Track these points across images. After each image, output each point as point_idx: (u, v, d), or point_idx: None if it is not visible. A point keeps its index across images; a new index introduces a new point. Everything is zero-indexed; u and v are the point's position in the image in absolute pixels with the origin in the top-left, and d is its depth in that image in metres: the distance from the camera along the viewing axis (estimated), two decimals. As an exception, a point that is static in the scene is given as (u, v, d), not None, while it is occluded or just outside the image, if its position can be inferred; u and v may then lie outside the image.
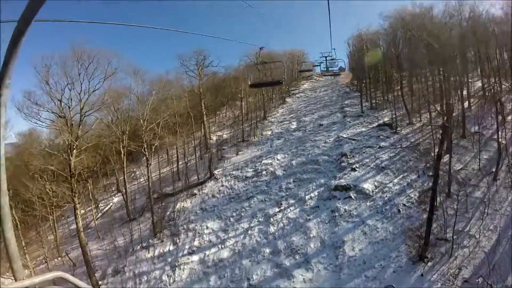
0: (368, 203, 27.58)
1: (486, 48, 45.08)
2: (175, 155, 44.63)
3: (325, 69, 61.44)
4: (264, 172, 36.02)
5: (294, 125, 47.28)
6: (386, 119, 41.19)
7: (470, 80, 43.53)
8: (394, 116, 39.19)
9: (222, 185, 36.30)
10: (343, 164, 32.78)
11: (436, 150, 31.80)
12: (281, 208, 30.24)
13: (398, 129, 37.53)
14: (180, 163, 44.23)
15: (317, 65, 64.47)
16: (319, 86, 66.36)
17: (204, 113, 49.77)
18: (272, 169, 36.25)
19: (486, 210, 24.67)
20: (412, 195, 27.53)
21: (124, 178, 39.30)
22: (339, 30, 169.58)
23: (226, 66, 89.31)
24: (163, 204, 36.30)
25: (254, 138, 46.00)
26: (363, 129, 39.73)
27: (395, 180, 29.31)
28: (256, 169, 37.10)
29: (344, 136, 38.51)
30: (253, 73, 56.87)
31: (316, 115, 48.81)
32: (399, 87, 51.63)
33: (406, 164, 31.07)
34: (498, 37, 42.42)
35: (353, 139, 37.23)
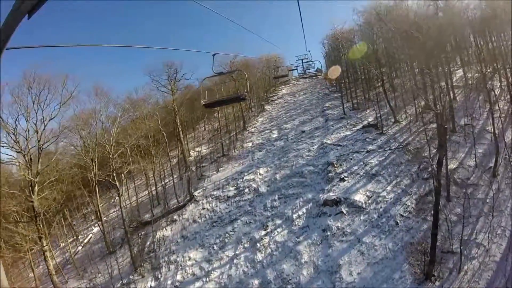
0: (362, 217, 24.91)
1: (463, 36, 43.56)
2: (154, 177, 41.54)
3: (302, 72, 60.17)
4: (246, 190, 33.10)
5: (275, 134, 44.56)
6: (370, 120, 38.87)
7: (451, 70, 41.74)
8: (378, 115, 36.91)
9: (203, 208, 33.23)
10: (330, 174, 30.11)
11: (430, 149, 29.67)
12: (268, 230, 27.34)
13: (384, 129, 35.20)
14: (159, 185, 41.04)
15: (294, 69, 63.24)
16: (298, 90, 63.95)
17: (180, 129, 46.58)
18: (255, 185, 33.35)
19: (491, 213, 22.30)
20: (409, 203, 25.00)
21: (98, 210, 35.88)
22: (314, 31, 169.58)
23: (200, 78, 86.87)
24: (142, 234, 33.11)
25: (235, 151, 43.07)
26: (348, 133, 37.25)
27: (388, 188, 26.78)
28: (238, 187, 34.16)
29: (329, 142, 35.92)
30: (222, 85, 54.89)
31: (297, 121, 46.21)
32: (379, 84, 50.11)
33: (398, 168, 28.61)
34: (474, 24, 40.82)
35: (338, 145, 34.68)
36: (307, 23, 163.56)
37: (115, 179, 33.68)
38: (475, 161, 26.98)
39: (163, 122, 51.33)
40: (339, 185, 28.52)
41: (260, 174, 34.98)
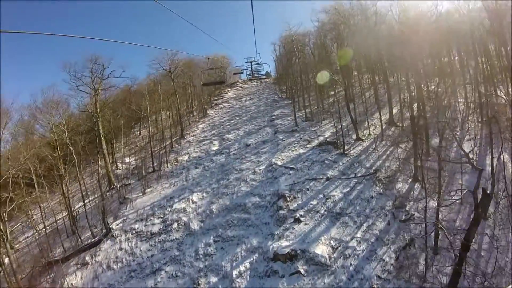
0: (326, 280, 17.89)
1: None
2: (79, 192, 32.10)
3: (251, 74, 53.61)
4: (175, 225, 24.86)
5: (215, 145, 36.61)
6: (327, 135, 32.53)
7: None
8: (337, 130, 30.63)
9: (121, 248, 24.54)
10: (281, 212, 22.78)
11: (401, 177, 23.79)
12: None
13: (346, 148, 28.90)
14: (79, 204, 31.64)
15: (241, 72, 56.82)
16: (245, 94, 56.47)
17: (103, 138, 36.67)
18: (185, 219, 25.20)
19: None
20: (387, 258, 18.50)
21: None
22: (266, 30, 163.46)
23: (132, 76, 75.52)
24: (51, 277, 23.77)
25: (167, 166, 34.49)
26: (302, 151, 30.44)
27: (358, 234, 20.12)
28: (165, 219, 25.82)
29: (278, 163, 28.76)
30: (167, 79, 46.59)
31: (241, 131, 38.66)
32: (334, 92, 44.52)
33: (368, 204, 22.17)
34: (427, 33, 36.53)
35: (291, 168, 27.64)
36: (259, 22, 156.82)
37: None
38: (460, 197, 21.34)
39: (84, 129, 41.20)
40: (293, 228, 21.28)
41: (193, 203, 26.87)
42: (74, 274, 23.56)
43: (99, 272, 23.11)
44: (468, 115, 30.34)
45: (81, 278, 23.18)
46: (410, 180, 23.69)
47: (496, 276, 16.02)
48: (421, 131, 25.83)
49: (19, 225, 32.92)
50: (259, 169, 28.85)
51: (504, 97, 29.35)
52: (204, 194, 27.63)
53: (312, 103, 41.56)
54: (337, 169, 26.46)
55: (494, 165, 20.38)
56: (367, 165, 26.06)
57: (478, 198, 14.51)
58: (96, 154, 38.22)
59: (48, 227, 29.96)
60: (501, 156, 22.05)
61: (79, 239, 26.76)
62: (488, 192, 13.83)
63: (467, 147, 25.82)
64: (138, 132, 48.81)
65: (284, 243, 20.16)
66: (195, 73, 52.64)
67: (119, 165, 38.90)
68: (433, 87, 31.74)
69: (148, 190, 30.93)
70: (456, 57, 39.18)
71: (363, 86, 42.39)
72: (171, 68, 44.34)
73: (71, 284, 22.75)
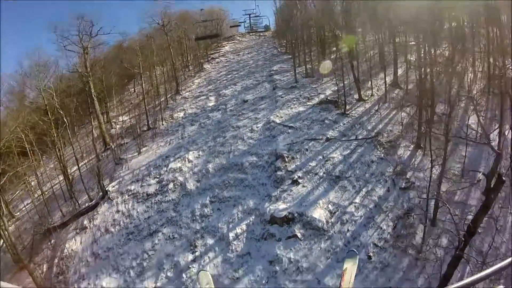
0: (322, 245, 17.71)
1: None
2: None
3: (249, 28, 50.71)
4: (171, 185, 24.17)
5: (212, 101, 35.11)
6: (328, 93, 31.16)
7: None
8: (339, 88, 29.25)
9: (118, 211, 24.04)
10: (279, 173, 22.11)
11: (404, 143, 23.09)
12: (196, 254, 19.17)
13: (347, 108, 27.79)
14: (75, 168, 30.42)
15: (239, 25, 53.91)
16: (243, 47, 53.44)
17: (95, 98, 34.89)
18: (181, 178, 24.47)
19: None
20: (384, 226, 18.27)
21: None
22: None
23: (123, 32, 70.49)
24: (51, 243, 23.49)
25: (162, 123, 33.18)
26: (301, 109, 29.26)
27: (357, 199, 19.72)
28: (161, 180, 25.09)
29: (277, 121, 27.67)
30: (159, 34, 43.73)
31: (239, 86, 36.97)
32: (335, 49, 42.42)
33: (368, 168, 21.59)
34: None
35: (290, 126, 26.63)
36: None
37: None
38: (461, 168, 20.88)
39: (76, 90, 39.09)
40: (291, 190, 20.75)
41: (189, 161, 26.00)
42: (73, 239, 23.22)
43: (98, 236, 22.78)
44: (475, 84, 29.01)
45: (81, 243, 22.87)
46: (413, 146, 23.01)
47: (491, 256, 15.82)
48: (427, 95, 24.74)
49: (18, 193, 32.15)
50: (257, 127, 27.79)
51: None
52: (200, 153, 26.70)
53: (313, 58, 39.58)
54: (337, 129, 25.53)
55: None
56: (369, 128, 25.15)
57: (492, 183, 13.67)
58: (89, 115, 36.62)
59: (46, 193, 29.16)
60: (508, 133, 21.44)
61: (77, 203, 26.17)
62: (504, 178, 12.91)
63: (472, 119, 25.01)
64: (133, 89, 46.52)
65: (281, 205, 19.74)
66: (190, 26, 49.64)
67: (114, 124, 37.42)
68: (440, 51, 30.11)
69: (144, 149, 29.88)
70: (466, 22, 36.94)
71: (367, 44, 40.28)
72: (164, 21, 41.36)
73: (71, 249, 22.49)
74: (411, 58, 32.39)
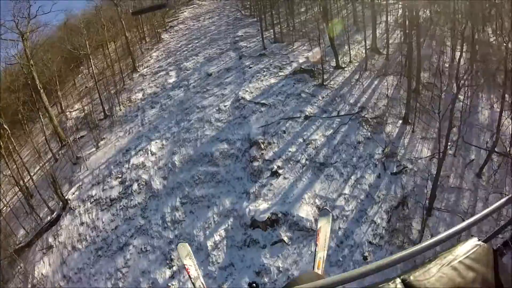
0: (313, 248, 15.37)
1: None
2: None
3: None
4: (135, 186, 20.78)
5: (172, 77, 30.95)
6: (301, 61, 27.93)
7: None
8: (315, 54, 26.14)
9: (82, 223, 20.57)
10: (255, 163, 19.12)
11: (390, 118, 20.90)
12: (173, 269, 16.40)
13: (325, 77, 24.79)
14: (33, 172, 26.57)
15: None
16: (203, 12, 47.90)
17: (42, 90, 29.47)
18: (146, 176, 21.08)
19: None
20: (378, 219, 16.19)
21: None
22: None
23: (67, 9, 60.01)
24: (21, 266, 19.89)
25: (120, 109, 28.95)
26: (273, 81, 25.99)
27: (346, 190, 17.38)
28: (123, 180, 21.61)
29: (247, 97, 24.35)
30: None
31: (201, 57, 32.75)
32: (304, 9, 38.70)
33: (355, 150, 19.16)
34: None
35: (262, 104, 23.42)
36: None
37: None
38: (454, 149, 18.92)
39: (20, 84, 32.50)
40: (271, 184, 17.97)
41: (152, 154, 22.48)
42: (41, 260, 19.72)
43: (66, 255, 19.42)
44: (455, 50, 26.64)
45: (49, 264, 19.44)
46: (400, 122, 20.73)
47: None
48: (412, 62, 22.25)
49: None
50: (225, 106, 24.37)
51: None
52: (164, 142, 23.09)
53: (281, 21, 35.66)
54: (316, 104, 22.65)
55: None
56: (351, 101, 22.47)
57: None
58: (37, 111, 31.18)
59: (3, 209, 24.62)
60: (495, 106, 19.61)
61: (38, 217, 22.30)
62: None
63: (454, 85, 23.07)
64: (87, 70, 40.48)
65: (262, 204, 17.00)
66: None
67: (69, 114, 32.32)
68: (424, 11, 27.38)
69: (102, 143, 25.79)
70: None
71: (339, 3, 36.82)
72: None
73: (41, 273, 19.00)
74: (390, 19, 29.69)
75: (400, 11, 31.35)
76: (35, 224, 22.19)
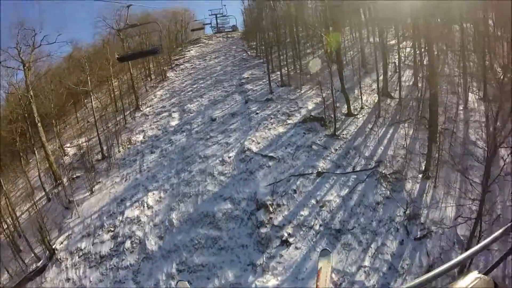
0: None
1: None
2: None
3: (216, 28, 45.70)
4: (128, 244, 19.00)
5: (175, 119, 29.84)
6: (310, 107, 26.59)
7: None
8: (326, 98, 24.64)
9: (68, 279, 18.73)
10: (263, 230, 17.20)
11: (411, 174, 19.01)
12: None
13: (337, 126, 23.20)
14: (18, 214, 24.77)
15: (202, 28, 49.38)
16: (209, 51, 47.74)
17: (39, 124, 28.62)
18: (140, 233, 19.30)
19: None
20: (407, 299, 13.96)
21: None
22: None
23: (73, 39, 60.82)
24: None
25: (119, 151, 27.71)
26: (281, 130, 24.51)
27: (366, 261, 15.29)
28: (115, 234, 19.86)
29: (253, 148, 22.78)
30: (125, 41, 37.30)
31: (206, 99, 31.70)
32: (310, 51, 37.98)
33: (374, 213, 17.20)
34: None
35: (270, 157, 21.80)
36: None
37: None
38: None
39: (18, 115, 31.32)
40: (281, 255, 15.96)
41: (148, 208, 20.77)
42: None
43: None
44: (468, 90, 25.14)
45: None
46: (421, 176, 18.86)
47: None
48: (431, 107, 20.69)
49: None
50: (229, 157, 22.76)
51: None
52: (162, 194, 21.42)
53: (288, 62, 34.76)
54: (329, 158, 20.95)
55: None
56: (366, 154, 20.73)
57: None
58: (32, 146, 30.15)
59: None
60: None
61: (24, 263, 20.53)
62: None
63: (474, 132, 21.52)
64: (90, 104, 39.85)
65: (270, 280, 14.92)
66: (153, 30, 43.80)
67: (68, 150, 31.09)
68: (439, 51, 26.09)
69: (96, 187, 24.25)
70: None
71: (345, 43, 35.96)
72: (119, 25, 35.30)
73: None
74: (401, 61, 28.52)
75: (411, 50, 30.31)
76: (19, 270, 20.36)
